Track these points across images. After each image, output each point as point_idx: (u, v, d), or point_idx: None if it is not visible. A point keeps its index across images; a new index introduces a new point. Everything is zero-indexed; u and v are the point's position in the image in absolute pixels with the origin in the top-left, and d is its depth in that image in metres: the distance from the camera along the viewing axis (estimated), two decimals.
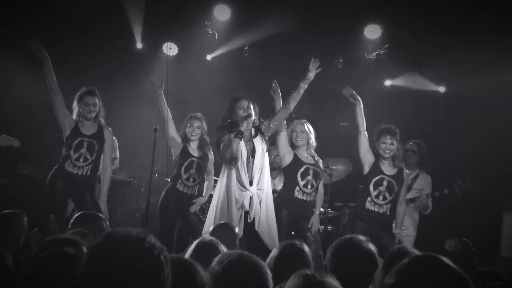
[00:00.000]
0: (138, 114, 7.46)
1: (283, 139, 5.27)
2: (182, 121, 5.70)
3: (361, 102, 5.22)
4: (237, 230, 3.61)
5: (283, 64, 7.35)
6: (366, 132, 5.23)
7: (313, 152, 5.44)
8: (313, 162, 5.38)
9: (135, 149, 7.17)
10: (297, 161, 5.29)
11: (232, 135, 4.80)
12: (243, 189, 4.74)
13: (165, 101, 5.50)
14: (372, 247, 2.74)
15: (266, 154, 4.91)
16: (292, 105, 4.89)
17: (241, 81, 7.16)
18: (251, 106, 4.87)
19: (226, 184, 4.77)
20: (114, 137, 5.92)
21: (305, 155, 5.38)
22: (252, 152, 4.82)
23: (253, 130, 4.91)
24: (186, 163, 5.55)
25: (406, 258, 1.85)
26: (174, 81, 5.66)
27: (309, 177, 5.26)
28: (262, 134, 4.92)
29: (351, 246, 2.70)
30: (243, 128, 4.74)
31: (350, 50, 7.55)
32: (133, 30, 7.30)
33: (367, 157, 5.24)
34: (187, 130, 5.62)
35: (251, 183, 4.78)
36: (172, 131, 5.56)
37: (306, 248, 2.86)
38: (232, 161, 4.72)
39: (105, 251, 1.73)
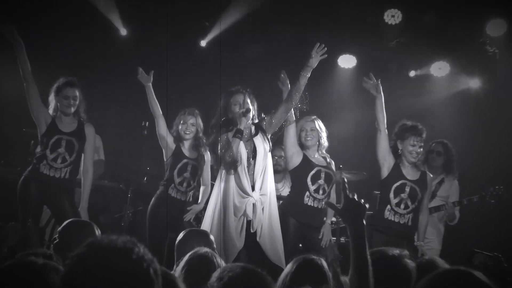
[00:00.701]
0: (125, 109, 7.50)
1: (291, 137, 5.30)
2: (175, 118, 5.77)
3: (382, 95, 5.21)
4: (212, 238, 3.59)
5: (290, 51, 7.35)
6: (386, 130, 5.23)
7: (324, 153, 5.47)
8: (325, 164, 5.39)
9: (121, 149, 7.21)
10: (307, 163, 5.32)
11: (230, 134, 4.81)
12: (245, 195, 4.75)
13: (154, 96, 5.53)
14: (410, 263, 2.66)
15: (269, 154, 4.94)
16: (295, 98, 4.89)
17: (240, 70, 7.19)
18: (248, 100, 4.88)
19: (224, 189, 4.78)
20: (97, 135, 5.94)
21: (316, 156, 5.41)
22: (252, 153, 4.84)
23: (252, 128, 4.93)
24: (179, 165, 5.58)
25: (435, 271, 1.84)
26: (164, 71, 5.66)
27: (321, 181, 5.28)
28: (264, 132, 4.93)
29: (386, 262, 2.62)
30: (242, 126, 4.76)
31: (367, 37, 7.55)
32: (109, 16, 7.31)
33: (386, 159, 5.24)
34: (180, 128, 5.65)
35: (253, 188, 4.79)
36: (163, 129, 5.58)
37: (324, 263, 2.83)
38: (233, 165, 4.73)
39: (87, 262, 1.71)
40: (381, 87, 5.20)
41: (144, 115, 6.20)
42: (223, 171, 4.82)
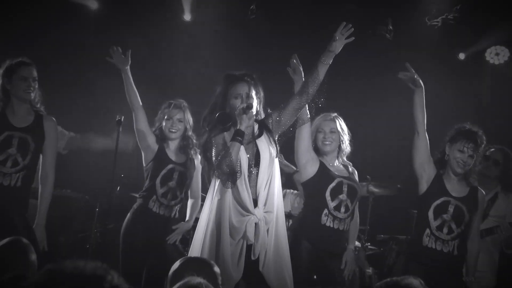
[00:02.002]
0: (93, 100, 7.56)
1: (305, 140, 5.32)
2: (157, 111, 5.80)
3: (423, 88, 5.25)
4: (217, 269, 3.56)
5: (304, 31, 7.41)
6: (426, 133, 5.26)
7: (346, 160, 5.51)
8: (346, 174, 5.43)
9: (88, 150, 7.14)
10: (325, 173, 5.35)
11: (227, 135, 4.81)
12: (245, 212, 4.75)
13: (132, 82, 5.58)
14: None
15: (276, 161, 4.93)
16: (311, 90, 4.89)
17: (243, 54, 7.24)
18: (253, 92, 4.87)
19: (219, 204, 4.78)
20: (66, 131, 6.01)
21: (336, 165, 5.46)
22: (255, 159, 4.84)
23: (255, 127, 4.92)
24: (163, 172, 5.63)
25: None
26: (142, 53, 5.71)
27: (343, 196, 5.30)
28: (270, 133, 4.93)
29: None
30: (243, 127, 4.73)
31: (404, 14, 7.59)
32: None
33: (425, 169, 5.28)
34: (164, 124, 5.71)
35: (255, 204, 4.78)
36: (143, 125, 5.64)
37: None
38: (231, 176, 4.71)
39: None
40: (421, 81, 5.23)
41: (118, 107, 6.26)
42: (217, 183, 4.81)
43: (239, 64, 5.52)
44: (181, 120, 5.69)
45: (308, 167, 5.37)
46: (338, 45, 4.84)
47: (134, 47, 5.68)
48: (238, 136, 4.70)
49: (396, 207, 6.88)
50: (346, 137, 5.47)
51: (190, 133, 5.73)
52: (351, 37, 4.86)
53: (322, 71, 4.85)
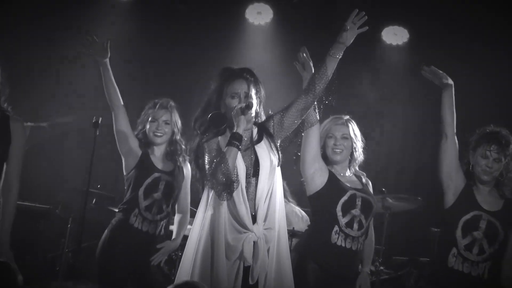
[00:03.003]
0: (66, 98, 7.56)
1: (312, 146, 5.29)
2: (140, 111, 5.84)
3: (452, 85, 5.27)
4: None
5: (314, 22, 7.47)
6: (456, 138, 5.29)
7: (358, 170, 5.52)
8: (360, 186, 5.43)
9: (59, 157, 7.25)
10: (335, 185, 5.33)
11: (222, 139, 4.79)
12: (242, 229, 4.72)
13: (112, 77, 5.62)
14: None
15: (278, 170, 4.90)
16: (318, 88, 4.87)
17: (238, 46, 7.36)
18: (253, 91, 4.85)
19: (212, 220, 4.76)
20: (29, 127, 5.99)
21: (348, 175, 5.45)
22: (254, 168, 4.83)
23: (254, 131, 4.91)
24: (147, 181, 5.66)
25: None
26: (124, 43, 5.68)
27: (356, 211, 5.28)
28: (271, 138, 4.91)
29: None
30: (240, 129, 4.70)
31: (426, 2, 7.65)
32: None
33: (452, 179, 5.31)
34: (148, 127, 5.74)
35: (254, 219, 4.74)
36: (124, 127, 5.68)
37: None
38: (228, 187, 4.68)
39: None
40: (448, 77, 5.25)
41: (96, 107, 6.29)
42: (211, 194, 4.78)
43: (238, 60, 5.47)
44: (167, 122, 5.72)
45: (316, 177, 5.33)
46: (349, 36, 4.80)
47: (112, 36, 5.77)
48: (235, 140, 4.67)
49: (416, 224, 6.92)
50: (359, 144, 5.47)
51: (178, 137, 5.76)
52: (364, 27, 4.84)
53: (330, 65, 4.84)
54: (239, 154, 4.72)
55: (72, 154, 7.08)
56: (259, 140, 4.87)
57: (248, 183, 4.77)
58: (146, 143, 5.71)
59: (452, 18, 7.83)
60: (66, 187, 7.01)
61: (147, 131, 5.71)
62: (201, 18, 7.94)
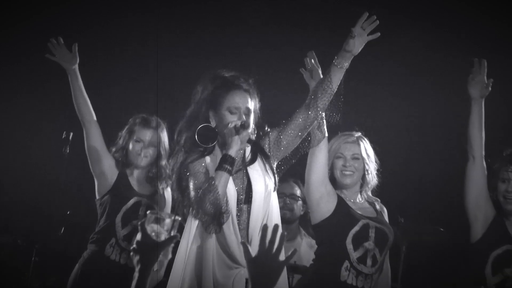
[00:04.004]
0: (32, 111, 7.53)
1: (319, 167, 5.26)
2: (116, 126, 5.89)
3: (483, 98, 5.33)
4: None
5: (318, 23, 7.48)
6: (484, 161, 5.34)
7: (371, 196, 5.52)
8: (373, 214, 5.41)
9: (22, 178, 7.26)
10: (345, 213, 5.31)
11: (209, 159, 4.78)
12: (233, 264, 4.71)
13: (82, 87, 5.69)
14: None
15: (274, 195, 4.89)
16: (321, 103, 4.87)
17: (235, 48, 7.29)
18: (251, 104, 4.84)
19: (199, 253, 4.76)
20: None
21: (359, 201, 5.44)
22: (246, 193, 4.82)
23: (247, 150, 4.91)
24: (125, 207, 5.75)
25: None
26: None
27: (369, 244, 5.25)
28: (266, 158, 4.90)
29: None
30: (233, 151, 4.67)
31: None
32: None
33: (480, 208, 5.35)
34: (131, 146, 5.84)
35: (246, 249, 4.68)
36: (96, 143, 5.75)
37: None
38: (217, 219, 4.66)
39: None
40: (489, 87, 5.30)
41: (66, 121, 6.31)
42: (194, 223, 4.76)
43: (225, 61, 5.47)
44: (154, 145, 5.81)
45: (323, 204, 5.30)
46: (357, 44, 4.78)
47: (84, 40, 5.78)
48: (227, 163, 4.65)
49: (437, 259, 6.96)
50: (372, 166, 5.45)
51: (164, 162, 5.83)
52: (375, 33, 4.82)
53: (336, 77, 4.82)
54: (230, 178, 4.71)
55: (38, 174, 7.09)
56: (252, 161, 4.87)
57: (239, 210, 4.77)
58: (125, 163, 5.76)
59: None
60: (30, 213, 7.04)
61: (129, 151, 5.76)
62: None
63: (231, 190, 4.73)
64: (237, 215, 4.74)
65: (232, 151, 4.65)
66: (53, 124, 6.92)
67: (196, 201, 4.64)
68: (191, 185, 4.71)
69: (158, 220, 3.29)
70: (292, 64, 5.37)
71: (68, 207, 6.57)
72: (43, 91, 7.24)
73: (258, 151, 4.88)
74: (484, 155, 5.34)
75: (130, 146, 5.74)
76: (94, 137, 5.68)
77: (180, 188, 4.78)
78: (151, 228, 3.29)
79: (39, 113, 7.41)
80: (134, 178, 5.75)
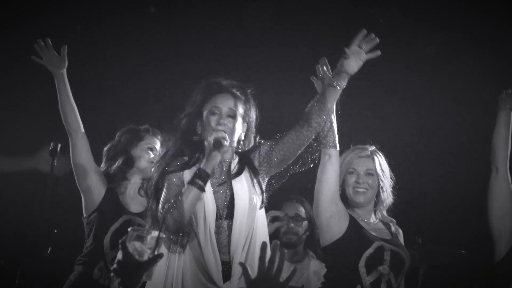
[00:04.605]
0: (18, 121, 7.49)
1: (330, 184, 5.14)
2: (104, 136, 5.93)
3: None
4: None
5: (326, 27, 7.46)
6: (508, 172, 5.31)
7: (387, 215, 5.42)
8: (388, 236, 5.32)
9: (5, 193, 7.18)
10: (357, 234, 5.21)
11: (187, 174, 4.68)
12: (209, 284, 4.60)
13: (70, 93, 5.63)
14: None
15: (261, 212, 4.82)
16: (315, 122, 4.80)
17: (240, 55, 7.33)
18: (240, 110, 4.78)
19: (173, 270, 4.65)
20: None
21: (373, 221, 5.35)
22: (228, 208, 4.73)
23: (234, 161, 4.84)
24: (114, 227, 5.66)
25: None
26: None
27: (384, 268, 5.13)
28: (253, 172, 4.82)
29: None
30: (209, 167, 4.59)
31: None
32: None
33: (505, 224, 5.31)
34: (139, 154, 5.80)
35: (227, 274, 4.60)
36: (83, 156, 5.68)
37: None
38: (179, 239, 4.58)
39: None
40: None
41: (53, 131, 6.34)
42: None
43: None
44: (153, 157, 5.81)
45: (333, 224, 5.18)
46: (352, 64, 4.69)
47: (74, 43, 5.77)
48: (199, 179, 4.56)
49: (458, 283, 7.04)
50: (387, 182, 5.35)
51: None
52: (375, 51, 4.70)
53: (331, 97, 4.74)
54: (210, 191, 4.64)
55: (22, 189, 7.09)
56: (238, 174, 4.78)
57: (218, 227, 4.67)
58: (118, 178, 5.70)
59: None
60: (14, 232, 6.99)
61: (138, 158, 5.74)
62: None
63: (210, 205, 4.63)
64: (216, 232, 4.63)
65: (208, 166, 4.57)
66: (39, 134, 6.92)
67: (161, 215, 4.56)
68: (162, 197, 4.64)
69: (141, 238, 3.19)
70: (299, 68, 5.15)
71: (56, 226, 6.59)
72: (28, 97, 7.33)
73: (246, 164, 4.82)
74: (509, 167, 5.32)
75: (140, 153, 5.72)
76: (81, 148, 5.60)
77: (156, 199, 4.71)
78: (133, 246, 3.18)
79: (23, 121, 7.46)
80: (124, 193, 5.68)
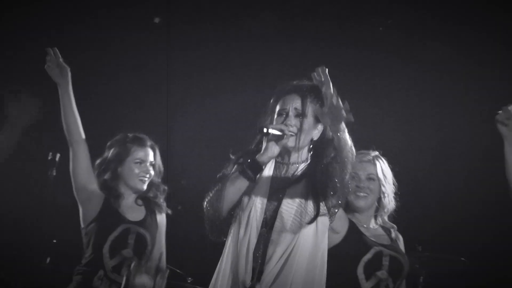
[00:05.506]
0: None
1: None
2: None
3: None
4: None
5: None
6: None
7: (387, 221, 5.40)
8: (388, 241, 5.31)
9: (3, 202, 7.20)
10: (356, 239, 5.20)
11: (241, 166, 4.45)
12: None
13: (73, 102, 5.60)
14: None
15: (311, 227, 4.50)
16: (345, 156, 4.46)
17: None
18: (309, 109, 4.50)
19: (220, 267, 4.51)
20: None
21: (373, 227, 5.35)
22: (272, 216, 4.48)
23: (301, 166, 4.52)
24: (112, 235, 5.63)
25: None
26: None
27: (382, 273, 5.13)
28: (315, 185, 4.47)
29: None
30: (264, 158, 4.38)
31: None
32: None
33: None
34: (127, 171, 5.76)
35: (258, 277, 4.41)
36: (84, 166, 5.68)
37: None
38: (214, 228, 4.46)
39: None
40: None
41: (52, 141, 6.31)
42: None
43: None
44: (152, 164, 5.78)
45: (332, 228, 5.09)
46: (326, 118, 4.38)
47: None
48: (250, 168, 4.39)
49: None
50: (389, 188, 5.33)
51: (159, 178, 5.83)
52: (349, 116, 4.34)
53: (337, 142, 4.38)
54: (263, 193, 4.46)
55: (21, 200, 7.07)
56: (296, 182, 4.50)
57: (261, 234, 4.47)
58: (117, 195, 5.70)
59: None
60: (12, 242, 6.95)
61: (125, 176, 5.71)
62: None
63: (256, 208, 4.45)
64: (257, 237, 4.44)
65: (263, 157, 4.40)
66: (38, 144, 6.95)
67: (207, 199, 4.47)
68: (215, 189, 4.47)
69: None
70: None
71: (55, 236, 6.57)
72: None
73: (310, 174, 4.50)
74: None
75: (128, 172, 5.70)
76: (82, 159, 5.61)
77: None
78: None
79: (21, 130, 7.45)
80: (123, 204, 5.69)
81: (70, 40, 6.98)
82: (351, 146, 4.44)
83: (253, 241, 4.43)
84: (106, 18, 7.75)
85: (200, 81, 8.15)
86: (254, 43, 8.03)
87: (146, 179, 5.75)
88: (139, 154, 5.74)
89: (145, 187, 5.74)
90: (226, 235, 4.50)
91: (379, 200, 5.30)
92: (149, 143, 5.80)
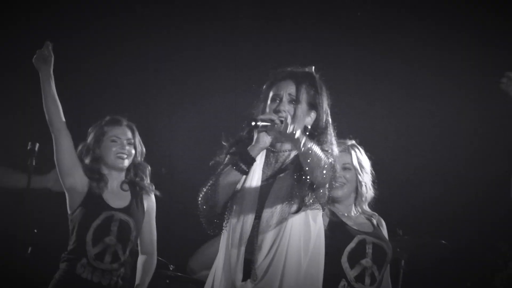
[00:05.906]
0: None
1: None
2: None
3: None
4: None
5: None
6: None
7: (368, 209, 5.43)
8: (370, 229, 5.33)
9: None
10: (339, 229, 5.21)
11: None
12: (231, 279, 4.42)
13: (54, 90, 5.59)
14: None
15: (300, 217, 4.46)
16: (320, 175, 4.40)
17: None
18: (304, 95, 4.48)
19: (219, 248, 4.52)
20: None
21: (354, 215, 5.37)
22: (260, 204, 4.49)
23: (292, 153, 4.51)
24: (95, 223, 5.63)
25: None
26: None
27: (367, 261, 5.16)
28: (300, 177, 4.39)
29: None
30: (255, 150, 4.37)
31: None
32: None
33: None
34: (104, 151, 5.76)
35: (247, 275, 4.39)
36: (67, 153, 5.65)
37: None
38: (209, 221, 4.45)
39: None
40: None
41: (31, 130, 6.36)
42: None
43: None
44: (130, 142, 5.77)
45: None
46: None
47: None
48: (242, 161, 4.38)
49: (438, 273, 6.92)
50: (366, 177, 5.37)
51: (141, 158, 5.84)
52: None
53: (303, 159, 4.31)
54: (255, 182, 4.45)
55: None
56: (285, 169, 4.51)
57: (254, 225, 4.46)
58: (100, 178, 5.71)
59: None
60: None
61: (104, 156, 5.72)
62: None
63: (251, 197, 4.44)
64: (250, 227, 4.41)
65: (254, 149, 4.38)
66: (16, 133, 6.92)
67: (202, 193, 4.43)
68: (210, 183, 4.43)
69: None
70: None
71: (37, 223, 6.56)
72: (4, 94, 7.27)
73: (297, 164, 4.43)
74: None
75: (105, 151, 5.70)
76: (65, 145, 5.60)
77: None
78: None
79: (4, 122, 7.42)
80: (108, 190, 5.68)
81: (65, 35, 7.07)
82: (331, 164, 4.36)
83: (247, 229, 4.41)
84: (104, 16, 7.85)
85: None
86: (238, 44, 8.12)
87: (125, 156, 5.73)
88: (114, 131, 5.75)
89: (125, 164, 5.73)
90: (222, 228, 4.50)
91: (356, 189, 5.34)
92: (125, 122, 5.82)
